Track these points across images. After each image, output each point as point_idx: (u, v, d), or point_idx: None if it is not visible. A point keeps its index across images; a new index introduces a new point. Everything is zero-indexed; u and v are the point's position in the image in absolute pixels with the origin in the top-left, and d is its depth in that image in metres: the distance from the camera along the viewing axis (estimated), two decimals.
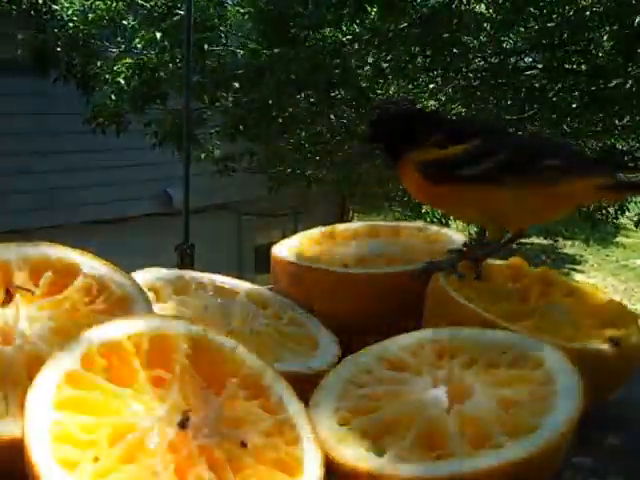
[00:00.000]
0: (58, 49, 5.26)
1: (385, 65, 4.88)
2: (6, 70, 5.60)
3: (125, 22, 5.34)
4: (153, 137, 5.37)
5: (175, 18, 5.04)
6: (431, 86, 5.09)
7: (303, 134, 5.42)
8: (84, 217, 6.02)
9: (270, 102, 5.02)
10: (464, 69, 4.95)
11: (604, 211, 5.55)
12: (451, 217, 4.13)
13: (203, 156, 5.50)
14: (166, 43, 5.08)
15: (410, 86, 5.06)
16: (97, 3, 5.24)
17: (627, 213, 6.10)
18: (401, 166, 1.03)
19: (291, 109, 5.09)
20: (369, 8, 4.73)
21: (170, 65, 5.16)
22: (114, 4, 5.22)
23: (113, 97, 5.23)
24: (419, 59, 4.85)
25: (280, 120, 5.14)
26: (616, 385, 0.91)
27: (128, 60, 5.17)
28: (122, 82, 5.14)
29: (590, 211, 5.38)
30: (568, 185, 0.95)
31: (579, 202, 1.05)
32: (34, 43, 5.22)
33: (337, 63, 4.92)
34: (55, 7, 5.32)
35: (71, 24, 5.23)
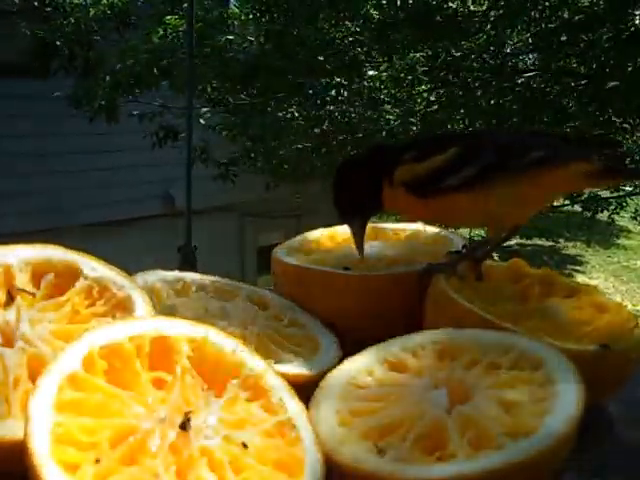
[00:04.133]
0: (59, 42, 5.24)
1: (383, 65, 4.88)
2: (7, 72, 5.60)
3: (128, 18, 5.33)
4: (154, 137, 5.37)
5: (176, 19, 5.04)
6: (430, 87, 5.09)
7: (303, 132, 5.42)
8: (86, 219, 6.02)
9: (269, 98, 5.03)
10: (463, 71, 4.96)
11: (603, 203, 5.56)
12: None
13: (202, 158, 5.48)
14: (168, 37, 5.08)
15: (408, 87, 5.06)
16: None
17: (627, 209, 6.11)
18: (384, 192, 1.02)
19: (291, 109, 5.10)
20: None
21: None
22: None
23: (107, 79, 5.20)
24: (418, 58, 4.84)
25: (281, 118, 5.14)
26: (616, 385, 0.91)
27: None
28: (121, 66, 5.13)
29: (589, 202, 5.39)
30: (553, 174, 0.95)
31: (571, 189, 1.05)
32: (35, 34, 5.20)
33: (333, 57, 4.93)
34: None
35: (72, 19, 5.22)
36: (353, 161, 1.08)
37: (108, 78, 5.20)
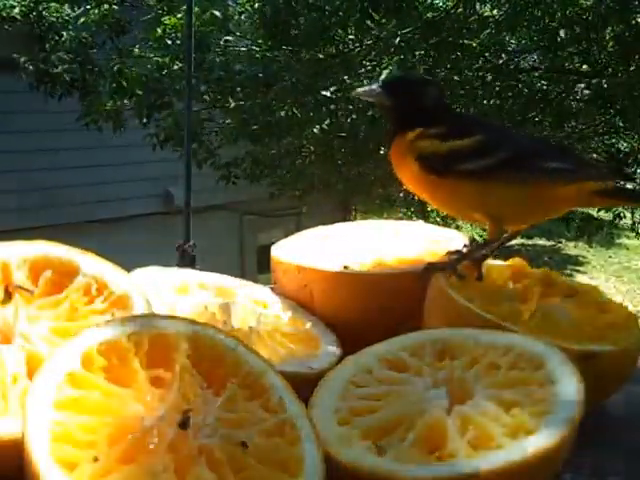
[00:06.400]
0: (59, 67, 5.23)
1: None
2: (3, 68, 5.59)
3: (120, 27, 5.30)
4: (154, 138, 5.36)
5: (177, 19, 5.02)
6: None
7: (305, 135, 5.41)
8: (85, 216, 6.02)
9: (273, 104, 5.02)
10: (466, 70, 4.95)
11: (598, 224, 5.60)
12: (456, 218, 4.13)
13: (208, 162, 5.48)
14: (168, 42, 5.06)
15: None
16: (87, 7, 5.21)
17: (624, 220, 6.15)
18: (398, 147, 1.02)
19: (294, 111, 5.08)
20: (375, 15, 4.72)
21: (173, 66, 5.13)
22: (107, 7, 5.19)
23: (115, 96, 5.20)
24: (422, 61, 4.84)
25: (282, 121, 5.13)
26: (616, 385, 0.91)
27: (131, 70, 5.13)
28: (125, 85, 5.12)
29: (584, 224, 5.43)
30: (566, 188, 0.96)
31: (578, 205, 1.05)
32: (36, 64, 5.19)
33: (339, 69, 4.93)
34: (51, 19, 5.29)
35: (65, 33, 5.20)
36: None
37: (111, 85, 5.19)
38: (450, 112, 1.10)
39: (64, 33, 5.21)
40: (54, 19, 5.27)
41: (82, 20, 5.16)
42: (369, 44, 4.96)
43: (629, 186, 1.00)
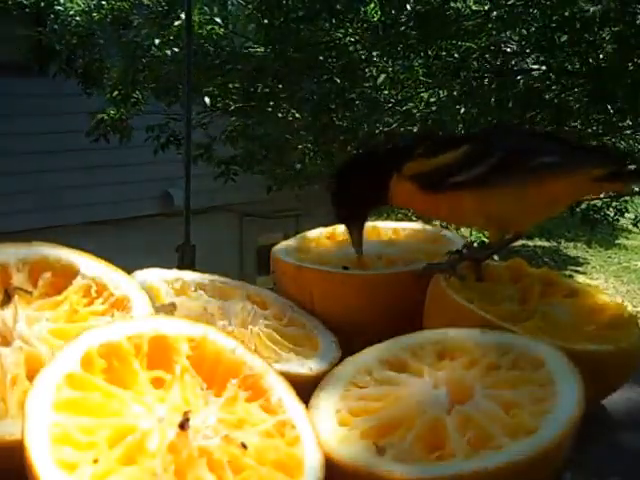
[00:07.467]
0: (59, 45, 5.22)
1: (386, 66, 4.88)
2: (6, 70, 5.60)
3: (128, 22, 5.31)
4: (155, 142, 5.36)
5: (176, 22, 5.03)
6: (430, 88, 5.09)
7: (304, 134, 5.41)
8: (84, 217, 6.02)
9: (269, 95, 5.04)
10: (464, 71, 4.95)
11: (602, 213, 5.57)
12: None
13: (204, 157, 5.47)
14: (169, 47, 5.07)
15: (410, 86, 5.06)
16: (102, 2, 5.22)
17: (627, 214, 6.12)
18: (393, 186, 1.02)
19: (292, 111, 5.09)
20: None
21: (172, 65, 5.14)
22: (117, 3, 5.20)
23: (115, 94, 5.20)
24: (419, 61, 4.84)
25: (280, 114, 5.14)
26: (616, 385, 0.91)
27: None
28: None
29: (588, 213, 5.40)
30: (565, 180, 0.95)
31: (578, 196, 1.04)
32: (34, 37, 5.18)
33: (334, 58, 4.94)
34: (58, 8, 5.30)
35: (73, 22, 5.20)
36: (353, 160, 1.09)
37: (113, 93, 5.19)
38: (430, 134, 1.10)
39: (72, 22, 5.21)
40: (62, 9, 5.28)
41: (97, 17, 5.16)
42: (364, 33, 4.96)
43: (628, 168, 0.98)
